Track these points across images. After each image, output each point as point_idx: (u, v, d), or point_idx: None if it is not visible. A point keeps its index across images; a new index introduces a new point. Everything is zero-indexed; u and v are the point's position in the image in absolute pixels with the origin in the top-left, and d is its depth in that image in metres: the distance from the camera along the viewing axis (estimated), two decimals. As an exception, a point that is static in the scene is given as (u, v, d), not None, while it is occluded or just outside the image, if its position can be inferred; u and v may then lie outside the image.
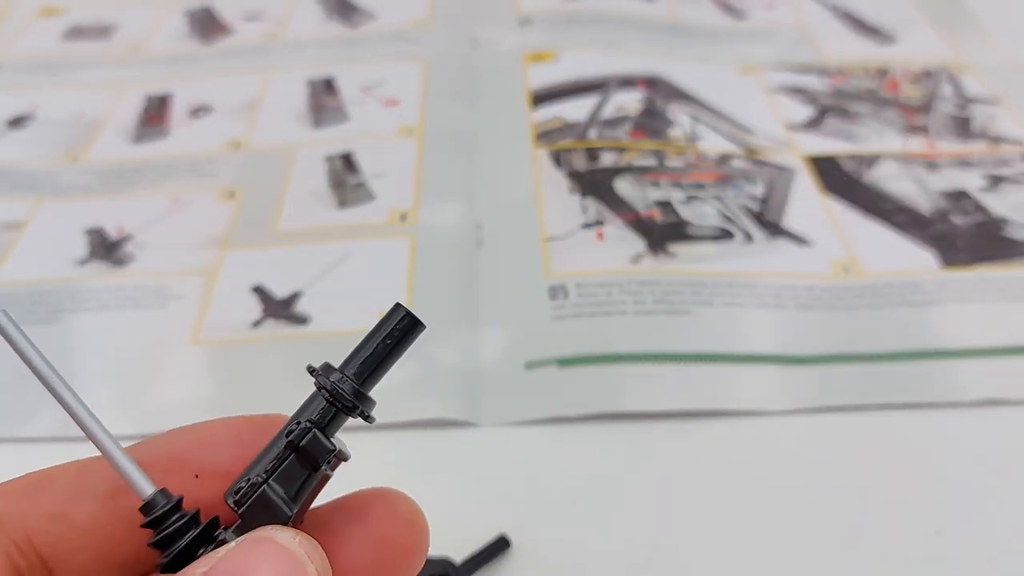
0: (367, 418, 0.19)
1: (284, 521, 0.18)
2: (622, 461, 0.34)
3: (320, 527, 0.19)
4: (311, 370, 0.19)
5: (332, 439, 0.19)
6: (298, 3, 0.64)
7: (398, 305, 0.19)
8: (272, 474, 0.18)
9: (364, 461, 0.35)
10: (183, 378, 0.37)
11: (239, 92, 0.55)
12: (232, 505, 0.18)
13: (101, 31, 0.62)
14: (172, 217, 0.46)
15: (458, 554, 0.30)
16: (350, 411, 0.19)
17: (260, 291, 0.41)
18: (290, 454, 0.18)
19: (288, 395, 0.36)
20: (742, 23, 0.60)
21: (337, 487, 0.20)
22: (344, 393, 0.19)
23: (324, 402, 0.19)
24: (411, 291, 0.40)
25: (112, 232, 0.45)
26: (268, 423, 0.20)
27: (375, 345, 0.19)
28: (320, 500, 0.20)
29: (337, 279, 0.41)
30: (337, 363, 0.19)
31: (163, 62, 0.58)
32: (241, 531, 0.18)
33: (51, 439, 0.35)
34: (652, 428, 0.35)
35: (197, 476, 0.20)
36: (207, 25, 0.62)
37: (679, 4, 0.61)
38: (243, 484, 0.18)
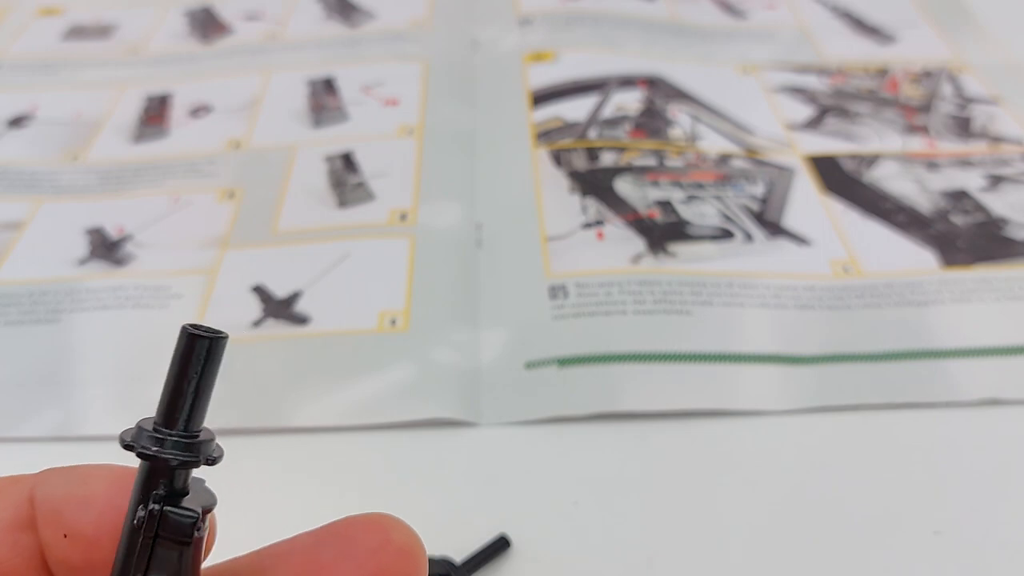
0: (211, 462, 0.18)
1: None
2: (622, 461, 0.34)
3: (306, 561, 0.18)
4: (125, 444, 0.17)
5: (184, 503, 0.17)
6: (298, 3, 0.64)
7: (183, 329, 0.17)
8: (146, 572, 0.16)
9: (364, 461, 0.35)
10: (183, 378, 0.37)
11: (239, 92, 0.55)
12: None
13: (101, 31, 0.62)
14: (172, 217, 0.46)
15: (458, 554, 0.30)
16: (188, 467, 0.17)
17: (260, 291, 0.41)
18: (152, 543, 0.17)
19: (288, 395, 0.36)
20: (742, 23, 0.60)
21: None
22: (171, 455, 0.17)
23: (155, 471, 0.17)
24: (411, 291, 0.40)
25: (112, 232, 0.45)
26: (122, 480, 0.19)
27: (180, 383, 0.17)
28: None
29: (337, 279, 0.41)
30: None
31: (163, 62, 0.58)
32: None
33: (50, 439, 0.35)
34: (652, 428, 0.35)
35: (65, 536, 0.18)
36: (207, 25, 0.62)
37: (679, 4, 0.61)
38: None
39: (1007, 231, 0.43)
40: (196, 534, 0.17)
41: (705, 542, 0.31)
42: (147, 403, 0.36)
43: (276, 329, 0.39)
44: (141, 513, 0.17)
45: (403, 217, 0.45)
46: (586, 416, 0.35)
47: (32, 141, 0.52)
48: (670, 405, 0.35)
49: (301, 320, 0.39)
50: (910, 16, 0.60)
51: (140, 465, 0.17)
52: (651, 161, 0.47)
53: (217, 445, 0.18)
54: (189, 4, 0.64)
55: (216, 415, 0.37)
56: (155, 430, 0.17)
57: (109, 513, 0.18)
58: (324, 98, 0.54)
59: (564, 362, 0.37)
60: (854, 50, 0.57)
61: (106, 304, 0.40)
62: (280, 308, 0.40)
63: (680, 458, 0.34)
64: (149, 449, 0.17)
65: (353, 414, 0.35)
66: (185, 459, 0.17)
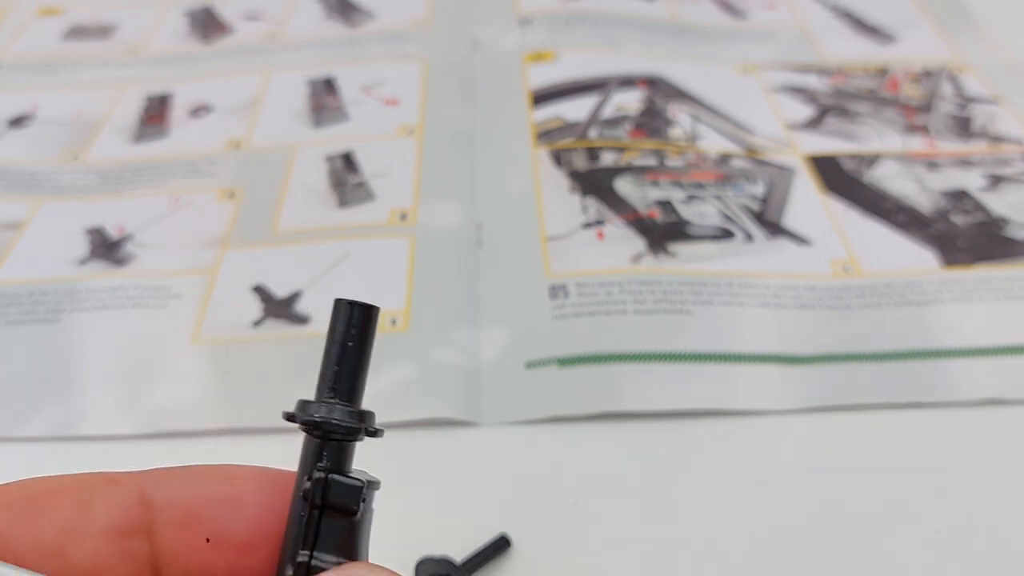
0: (374, 433, 0.17)
1: None
2: (622, 461, 0.34)
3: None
4: (288, 416, 0.17)
5: (352, 474, 0.17)
6: (298, 3, 0.64)
7: (338, 301, 0.17)
8: (314, 545, 0.16)
9: (364, 461, 0.35)
10: (183, 378, 0.37)
11: (239, 92, 0.55)
12: None
13: (101, 31, 0.62)
14: (172, 217, 0.46)
15: (459, 553, 0.30)
16: (353, 435, 0.17)
17: (260, 291, 0.41)
18: (319, 514, 0.16)
19: (289, 395, 0.36)
20: (742, 23, 0.60)
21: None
22: (337, 422, 0.17)
23: (322, 443, 0.17)
24: (411, 290, 0.40)
25: (112, 231, 0.45)
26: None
27: (340, 352, 0.17)
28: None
29: (337, 279, 0.41)
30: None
31: (163, 62, 0.58)
32: None
33: (51, 439, 0.35)
34: (652, 427, 0.35)
35: (208, 540, 0.17)
36: (207, 25, 0.62)
37: (679, 4, 0.61)
38: (289, 573, 0.16)
39: (1007, 231, 0.43)
40: (362, 504, 0.16)
41: (705, 541, 0.31)
42: (147, 402, 0.36)
43: (276, 329, 0.39)
44: (307, 484, 0.16)
45: (403, 217, 0.45)
46: (586, 416, 0.35)
47: (32, 141, 0.52)
48: (670, 405, 0.35)
49: (301, 320, 0.39)
50: (910, 16, 0.60)
51: (305, 441, 0.17)
52: (651, 161, 0.47)
53: (377, 424, 0.18)
54: (189, 4, 0.64)
55: (217, 414, 0.38)
56: (319, 401, 0.17)
57: (263, 516, 0.17)
58: (324, 98, 0.54)
59: (564, 362, 0.37)
60: (854, 50, 0.57)
61: (106, 304, 0.40)
62: (280, 308, 0.40)
63: (680, 458, 0.34)
64: (314, 416, 0.17)
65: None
66: (350, 425, 0.17)
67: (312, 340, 0.38)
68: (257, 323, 0.39)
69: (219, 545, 0.17)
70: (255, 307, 0.40)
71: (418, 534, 0.31)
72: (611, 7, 0.60)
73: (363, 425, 0.17)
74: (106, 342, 0.39)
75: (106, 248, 0.44)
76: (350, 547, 0.16)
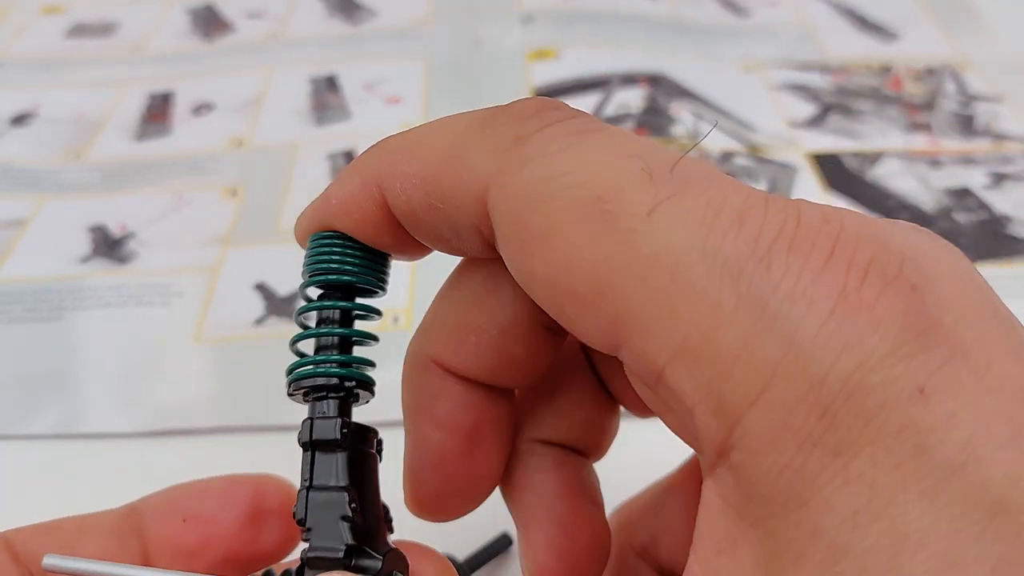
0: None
1: None
2: (622, 460, 0.34)
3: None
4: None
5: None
6: (300, 1, 0.64)
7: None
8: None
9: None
10: (185, 376, 0.37)
11: (241, 90, 0.55)
12: None
13: (103, 29, 0.62)
14: (174, 215, 0.46)
15: (460, 552, 0.30)
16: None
17: (262, 289, 0.41)
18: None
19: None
20: (745, 21, 0.60)
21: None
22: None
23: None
24: (413, 289, 0.40)
25: (114, 230, 0.45)
26: (256, 483, 0.22)
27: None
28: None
29: (339, 277, 0.41)
30: None
31: (165, 60, 0.58)
32: None
33: (52, 436, 0.35)
34: (652, 427, 0.35)
35: (184, 520, 0.21)
36: (209, 23, 0.62)
37: (681, 1, 0.61)
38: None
39: (1010, 229, 0.43)
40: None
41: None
42: (149, 401, 0.36)
43: (278, 327, 0.39)
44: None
45: (405, 215, 0.45)
46: (588, 414, 0.35)
47: (35, 139, 0.52)
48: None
49: (303, 318, 0.39)
50: (913, 13, 0.60)
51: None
52: (653, 159, 0.47)
53: (379, 423, 0.22)
54: (191, 2, 0.64)
55: (218, 413, 0.37)
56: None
57: (225, 501, 0.22)
58: (326, 96, 0.54)
59: (566, 360, 0.37)
60: (857, 48, 0.57)
61: (108, 302, 0.40)
62: (283, 306, 0.40)
63: (680, 457, 0.34)
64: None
65: (356, 411, 0.35)
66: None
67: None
68: (259, 321, 0.39)
69: (192, 521, 0.21)
70: (257, 305, 0.40)
71: (419, 532, 0.31)
72: (613, 5, 0.60)
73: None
74: (108, 340, 0.39)
75: (108, 246, 0.44)
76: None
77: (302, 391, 0.19)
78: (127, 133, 0.52)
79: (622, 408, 0.23)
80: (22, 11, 0.64)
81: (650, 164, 0.15)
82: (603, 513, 0.22)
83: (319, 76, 0.56)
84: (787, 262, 0.14)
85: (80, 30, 0.62)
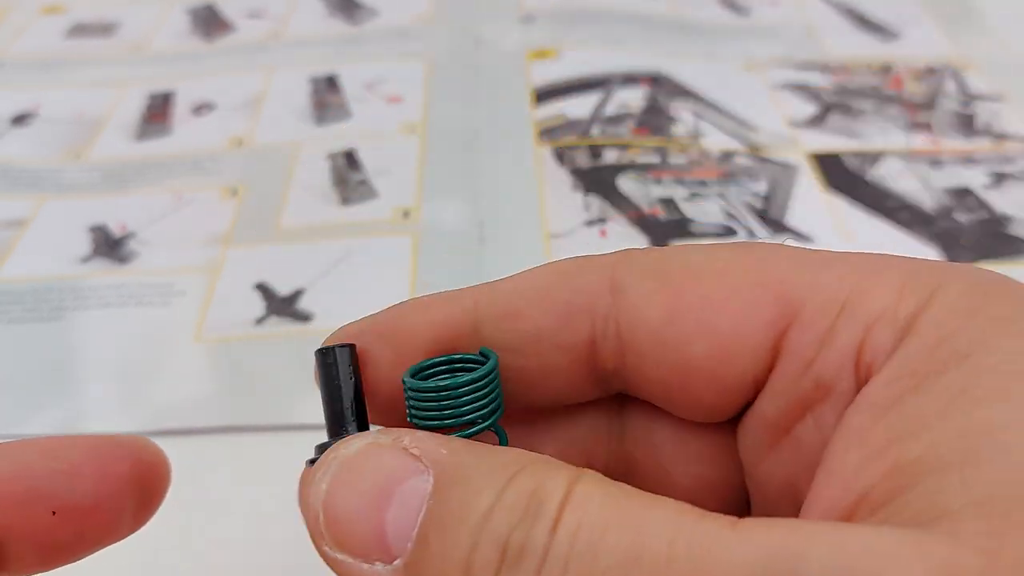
0: None
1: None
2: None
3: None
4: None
5: None
6: (300, 0, 0.64)
7: (317, 352, 0.19)
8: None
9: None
10: (186, 375, 0.37)
11: (242, 89, 0.55)
12: None
13: (103, 29, 0.62)
14: (175, 214, 0.46)
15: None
16: None
17: (263, 288, 0.41)
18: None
19: (291, 392, 0.36)
20: (745, 20, 0.60)
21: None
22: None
23: None
24: (413, 288, 0.40)
25: (115, 229, 0.45)
26: (133, 446, 0.19)
27: (335, 393, 0.19)
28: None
29: (340, 276, 0.41)
30: None
31: (165, 60, 0.58)
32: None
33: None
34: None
35: (55, 513, 0.17)
36: (210, 23, 0.62)
37: (682, 1, 0.61)
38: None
39: (1011, 228, 0.43)
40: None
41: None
42: (150, 400, 0.36)
43: (279, 327, 0.39)
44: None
45: (406, 215, 0.45)
46: (589, 414, 0.35)
47: (35, 139, 0.52)
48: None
49: (304, 317, 0.39)
50: (914, 13, 0.60)
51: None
52: (654, 158, 0.47)
53: None
54: (191, 2, 0.64)
55: (219, 412, 0.37)
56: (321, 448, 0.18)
57: (102, 485, 0.18)
58: (327, 96, 0.54)
59: (567, 360, 0.37)
60: (857, 47, 0.57)
61: (109, 302, 0.40)
62: (283, 305, 0.40)
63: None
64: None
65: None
66: None
67: (315, 338, 0.38)
68: (260, 321, 0.39)
69: (66, 515, 0.17)
70: (258, 305, 0.40)
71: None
72: (614, 4, 0.60)
73: None
74: (108, 340, 0.39)
75: (109, 246, 0.44)
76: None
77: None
78: (127, 133, 0.52)
79: None
80: (22, 11, 0.64)
81: None
82: None
83: (319, 76, 0.56)
84: None
85: (80, 30, 0.62)
